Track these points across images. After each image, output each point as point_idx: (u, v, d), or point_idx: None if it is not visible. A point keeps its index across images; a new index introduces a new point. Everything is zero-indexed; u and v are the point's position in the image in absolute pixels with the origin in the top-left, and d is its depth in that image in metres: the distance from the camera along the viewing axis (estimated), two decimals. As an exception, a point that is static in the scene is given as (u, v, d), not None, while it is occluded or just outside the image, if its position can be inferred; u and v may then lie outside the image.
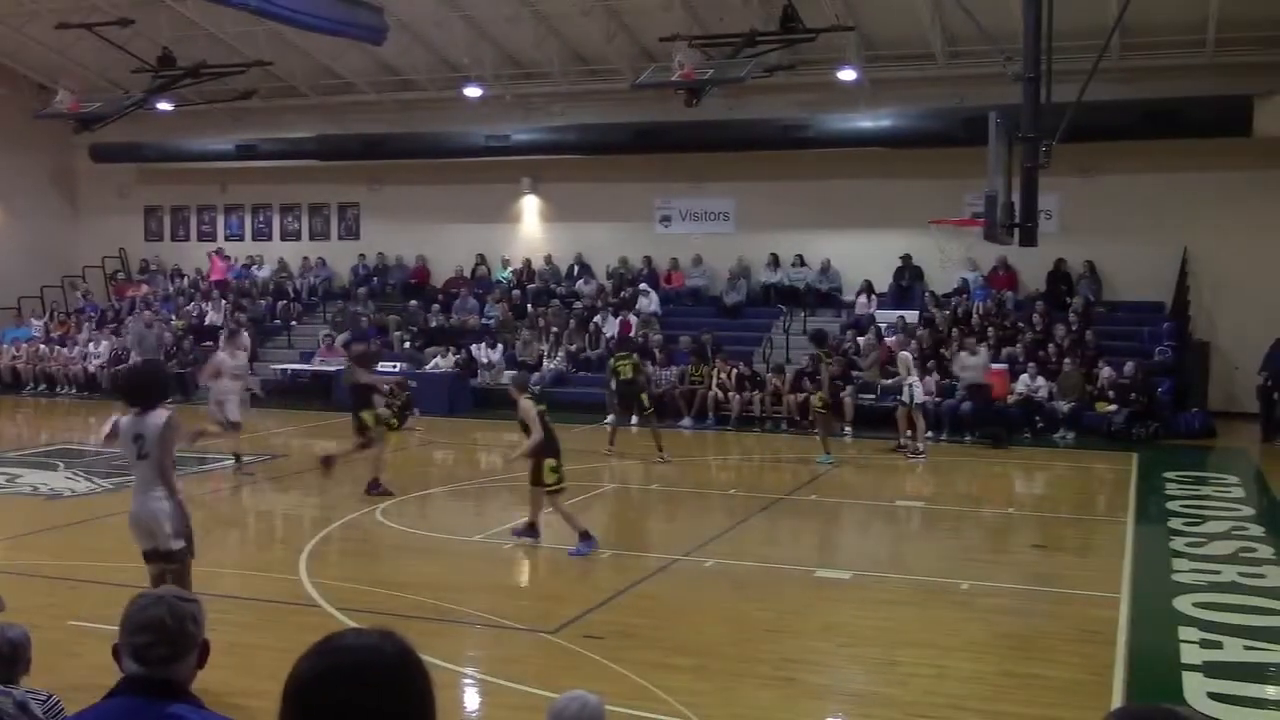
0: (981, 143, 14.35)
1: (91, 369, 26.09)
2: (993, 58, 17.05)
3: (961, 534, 13.34)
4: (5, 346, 27.33)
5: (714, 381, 21.70)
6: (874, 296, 23.75)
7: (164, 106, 25.93)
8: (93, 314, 28.70)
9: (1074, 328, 21.39)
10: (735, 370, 21.69)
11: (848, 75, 22.66)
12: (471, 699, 8.01)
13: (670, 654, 8.29)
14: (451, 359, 23.92)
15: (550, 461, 11.36)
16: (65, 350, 26.76)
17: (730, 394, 21.42)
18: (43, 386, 26.27)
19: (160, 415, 7.64)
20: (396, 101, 27.00)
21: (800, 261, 24.72)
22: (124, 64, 24.03)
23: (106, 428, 8.05)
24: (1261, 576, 10.60)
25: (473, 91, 25.43)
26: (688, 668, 8.00)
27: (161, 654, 2.79)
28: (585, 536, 11.32)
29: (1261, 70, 20.49)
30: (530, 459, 11.45)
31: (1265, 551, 11.65)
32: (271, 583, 10.20)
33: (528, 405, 11.47)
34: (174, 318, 27.24)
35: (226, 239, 30.36)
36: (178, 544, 7.83)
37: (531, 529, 11.67)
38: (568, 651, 8.34)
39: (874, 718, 7.33)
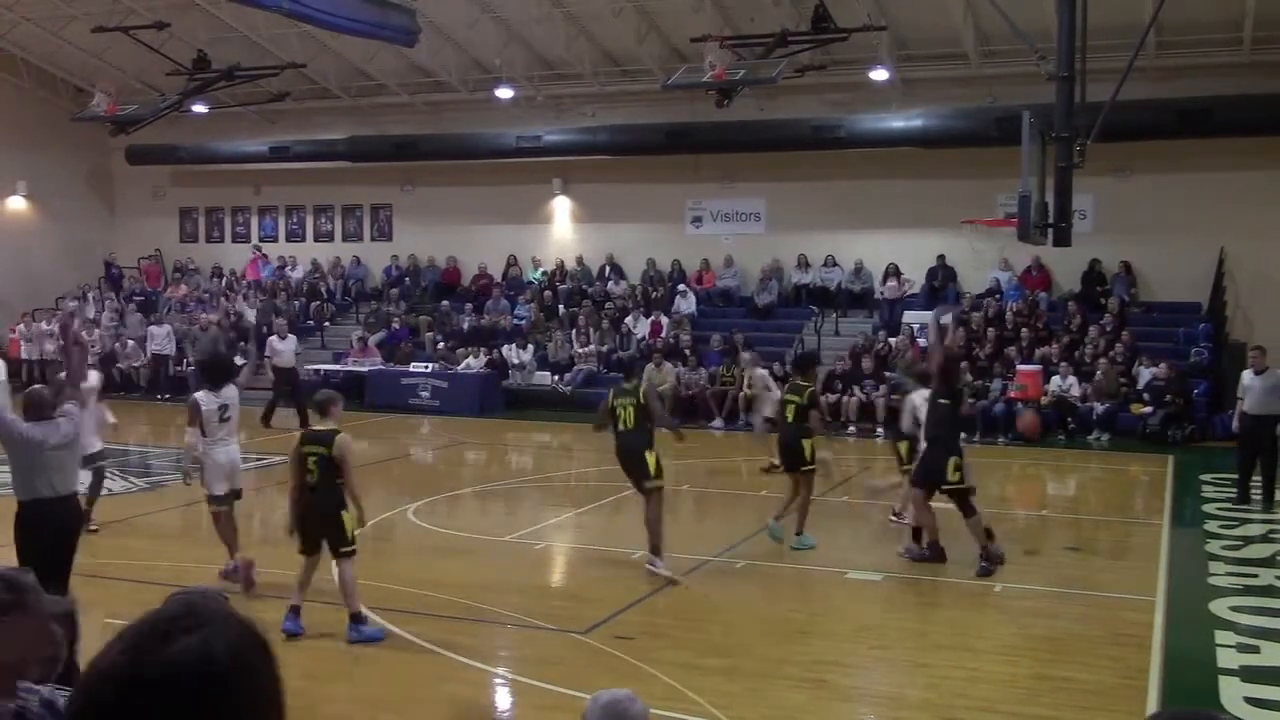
0: (1014, 142, 14.25)
1: (125, 368, 26.29)
2: (1026, 56, 16.93)
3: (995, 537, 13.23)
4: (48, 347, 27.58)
5: (746, 382, 21.60)
6: (903, 281, 23.61)
7: (199, 109, 26.15)
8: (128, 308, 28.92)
9: (1109, 328, 21.22)
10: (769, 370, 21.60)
11: (879, 75, 22.57)
12: (503, 698, 8.04)
13: (701, 655, 8.29)
14: (483, 360, 24.00)
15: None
16: (120, 346, 26.93)
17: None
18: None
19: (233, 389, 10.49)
20: (428, 103, 27.12)
21: (831, 262, 24.65)
22: (160, 67, 24.26)
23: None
24: (1299, 580, 10.49)
25: (504, 93, 25.50)
26: (718, 669, 7.99)
27: None
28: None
29: (1299, 68, 20.28)
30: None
31: (1303, 555, 11.52)
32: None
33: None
34: (208, 315, 27.41)
35: (260, 240, 30.58)
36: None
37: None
38: (599, 652, 8.35)
39: (905, 720, 7.31)
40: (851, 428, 20.63)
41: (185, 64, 23.89)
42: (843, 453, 17.76)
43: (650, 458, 10.70)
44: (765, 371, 18.64)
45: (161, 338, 26.33)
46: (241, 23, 23.71)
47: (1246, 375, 14.48)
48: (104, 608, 9.28)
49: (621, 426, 10.83)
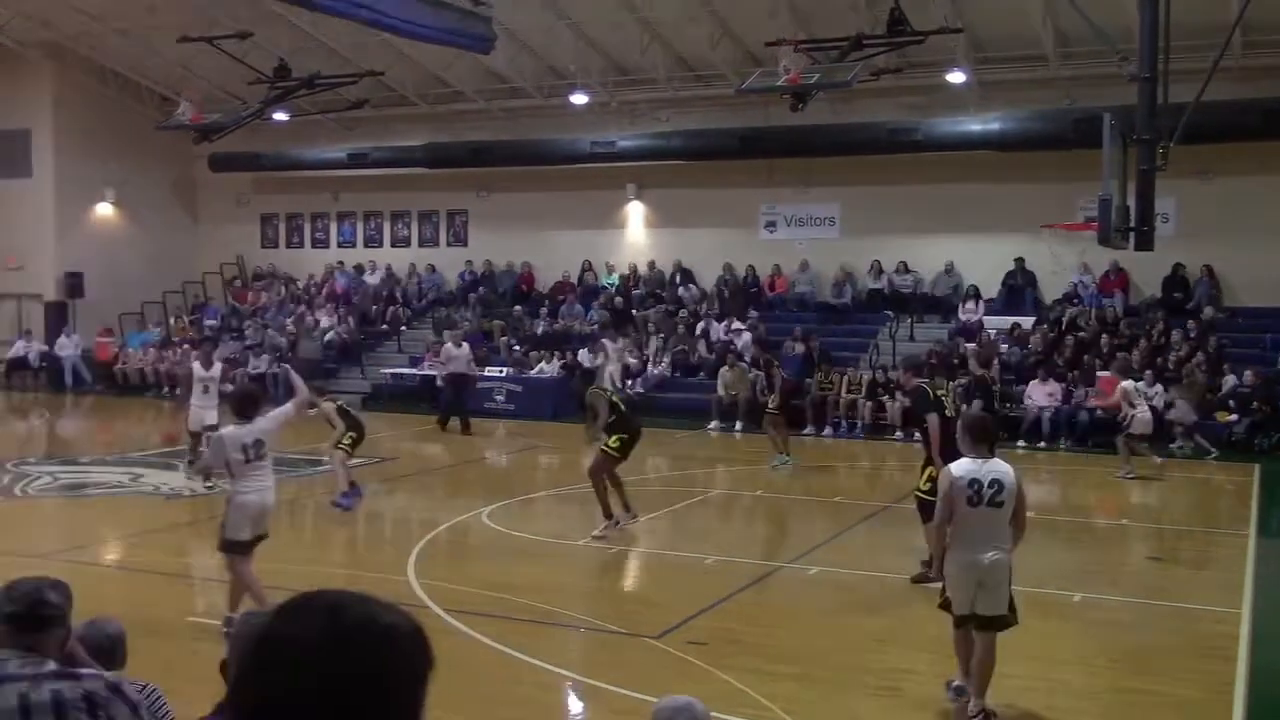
0: (1093, 145, 14.03)
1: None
2: (1106, 57, 16.69)
3: (1074, 545, 13.04)
4: (131, 350, 28.27)
5: (844, 388, 21.45)
6: (981, 303, 23.38)
7: (280, 116, 26.61)
8: (213, 319, 29.54)
9: (1193, 334, 20.78)
10: (866, 377, 21.49)
11: (956, 78, 22.34)
12: (575, 702, 8.06)
13: (773, 661, 8.26)
14: (556, 364, 24.13)
15: None
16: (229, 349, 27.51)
17: (858, 400, 21.19)
18: (165, 389, 27.10)
19: (265, 422, 9.09)
20: (504, 109, 27.34)
21: (904, 268, 24.43)
22: (242, 76, 24.70)
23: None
24: (1393, 594, 10.19)
25: (579, 98, 25.64)
26: (790, 675, 7.96)
27: None
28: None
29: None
30: None
31: (1396, 568, 11.19)
32: (381, 584, 10.35)
33: None
34: (289, 323, 27.91)
35: (339, 246, 31.05)
36: None
37: None
38: (671, 657, 8.35)
39: (982, 731, 7.20)
40: (898, 432, 20.43)
41: (267, 73, 24.30)
42: (909, 459, 17.56)
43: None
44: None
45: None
46: (322, 32, 24.09)
47: None
48: (191, 607, 9.50)
49: (624, 409, 12.92)
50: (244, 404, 9.13)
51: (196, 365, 16.43)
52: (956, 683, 7.37)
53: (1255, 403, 18.97)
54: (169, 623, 8.86)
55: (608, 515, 12.19)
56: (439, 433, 21.07)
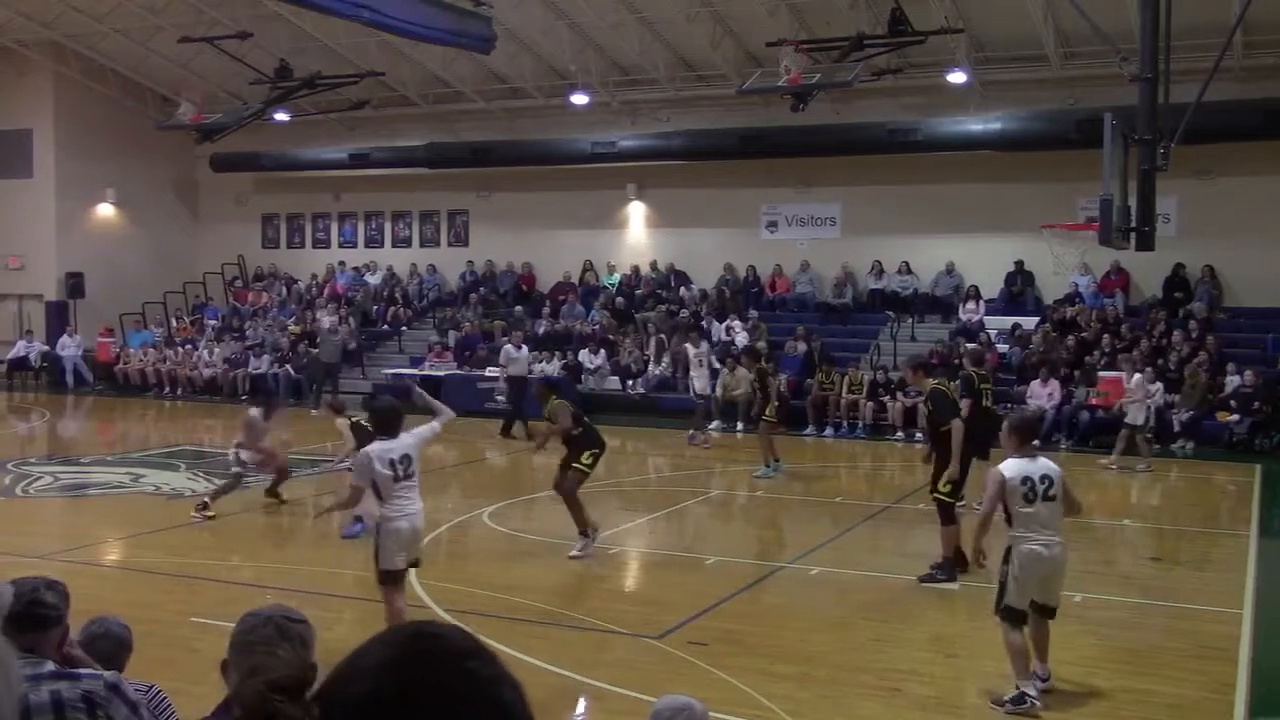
0: (1095, 145, 14.02)
1: (209, 374, 26.86)
2: (1107, 58, 16.68)
3: (1075, 545, 12.99)
4: (132, 350, 28.28)
5: (845, 388, 21.42)
6: (982, 303, 23.39)
7: (281, 117, 26.64)
8: (214, 319, 29.56)
9: (1194, 334, 20.78)
10: (866, 377, 21.46)
11: (957, 78, 22.34)
12: (574, 702, 8.06)
13: (774, 661, 8.26)
14: (557, 364, 24.12)
15: None
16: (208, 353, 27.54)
17: (859, 401, 21.18)
18: (166, 389, 27.12)
19: (409, 437, 8.27)
20: (505, 109, 27.35)
21: (906, 269, 24.43)
22: (243, 76, 24.76)
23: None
24: (1393, 594, 10.19)
25: (579, 98, 25.65)
26: (791, 675, 7.96)
27: None
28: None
29: (1394, 67, 19.74)
30: None
31: (1397, 568, 11.19)
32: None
33: None
34: (291, 323, 27.92)
35: (340, 246, 31.06)
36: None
37: None
38: (672, 657, 8.36)
39: (982, 731, 7.21)
40: (899, 433, 20.43)
41: (268, 73, 24.35)
42: (910, 460, 17.56)
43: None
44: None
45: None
46: (322, 32, 24.11)
47: None
48: (192, 607, 9.50)
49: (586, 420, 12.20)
50: (388, 419, 8.29)
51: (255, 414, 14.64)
52: (1023, 690, 7.29)
53: (1256, 403, 18.96)
54: (170, 623, 8.87)
55: (584, 532, 11.43)
56: (501, 440, 20.22)
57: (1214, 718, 7.22)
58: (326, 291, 29.42)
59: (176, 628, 8.81)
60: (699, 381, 20.45)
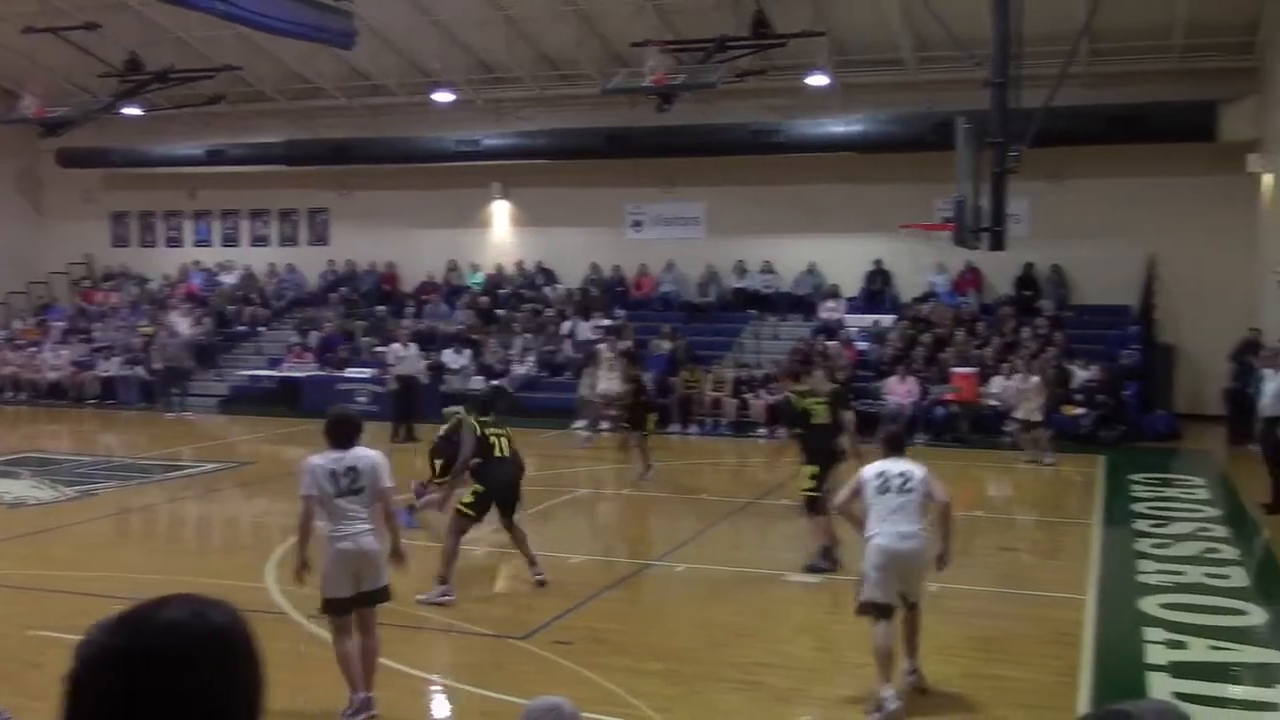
0: (951, 147, 14.44)
1: (55, 377, 25.86)
2: (962, 63, 17.14)
3: (933, 537, 13.35)
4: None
5: (709, 386, 21.62)
6: (842, 301, 23.85)
7: (131, 111, 25.73)
8: (59, 320, 28.46)
9: (1042, 331, 21.51)
10: (730, 375, 21.67)
11: (818, 80, 22.72)
12: (442, 706, 7.98)
13: (641, 659, 8.29)
14: (422, 365, 23.79)
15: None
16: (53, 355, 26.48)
17: (722, 399, 21.37)
18: (9, 393, 26.01)
19: (371, 452, 7.36)
20: (366, 106, 26.91)
21: (769, 268, 24.77)
22: (91, 69, 23.85)
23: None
24: (1226, 577, 10.69)
25: (443, 96, 25.38)
26: (658, 672, 8.00)
27: None
28: None
29: (1226, 75, 20.73)
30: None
31: (1229, 552, 11.74)
32: (238, 591, 10.10)
33: None
34: (142, 324, 27.04)
35: (195, 245, 30.20)
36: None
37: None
38: (538, 657, 8.32)
39: (843, 721, 7.35)
40: (761, 429, 20.72)
41: (117, 66, 23.51)
42: (772, 456, 17.81)
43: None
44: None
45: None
46: (175, 24, 23.40)
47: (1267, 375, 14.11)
48: (35, 620, 9.11)
49: (498, 454, 10.12)
50: (335, 428, 7.35)
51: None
52: (889, 692, 7.24)
53: (1101, 396, 19.71)
54: (11, 636, 8.50)
55: (444, 580, 9.71)
56: (391, 444, 18.51)
57: (1061, 700, 7.48)
58: (180, 292, 28.57)
59: (17, 641, 8.45)
60: (605, 383, 19.96)
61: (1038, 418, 17.99)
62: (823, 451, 10.82)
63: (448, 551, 9.79)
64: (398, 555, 7.45)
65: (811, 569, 10.71)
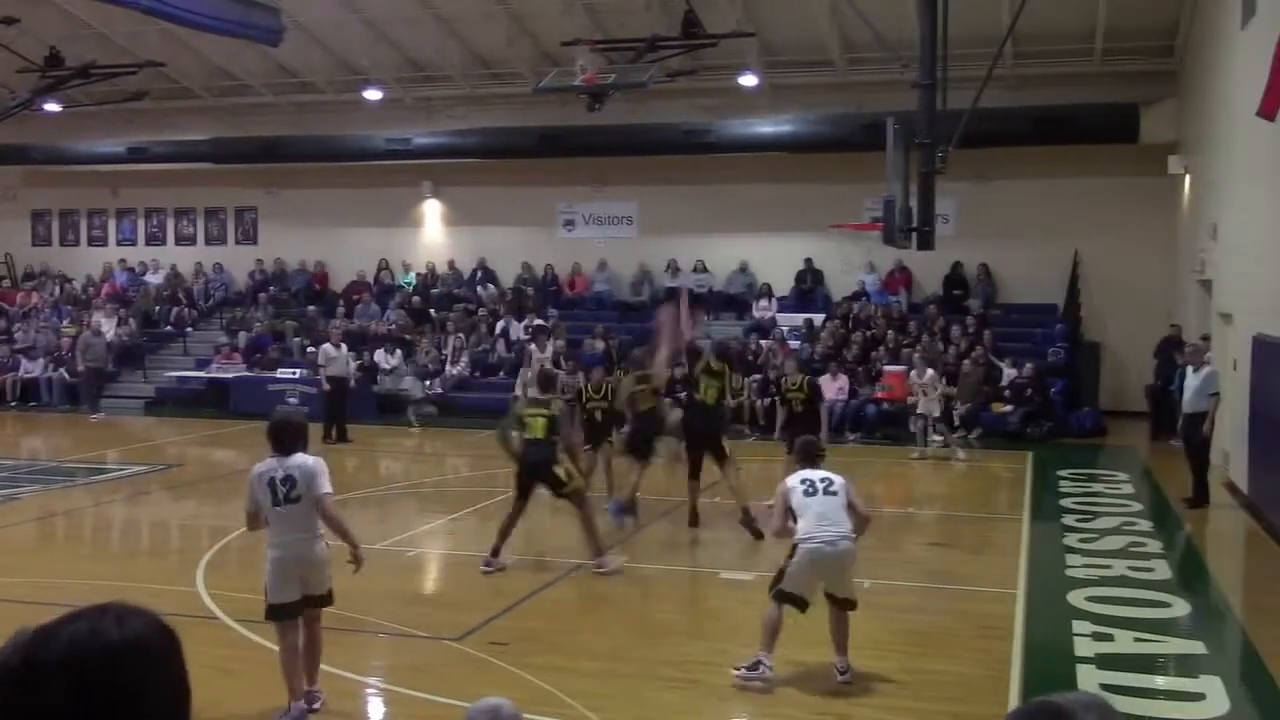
0: (880, 148, 14.56)
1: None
2: (890, 64, 17.34)
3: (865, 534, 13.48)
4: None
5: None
6: (774, 300, 24.01)
7: (52, 108, 25.20)
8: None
9: (971, 330, 21.82)
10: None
11: (748, 81, 22.85)
12: (376, 709, 7.92)
13: (576, 658, 8.28)
14: (352, 366, 23.56)
15: None
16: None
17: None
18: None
19: (309, 459, 7.23)
20: (294, 104, 26.59)
21: (701, 267, 24.85)
22: (9, 64, 23.33)
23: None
24: (1150, 570, 10.93)
25: (372, 94, 25.16)
26: (593, 672, 8.00)
27: None
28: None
29: (1147, 78, 21.17)
30: None
31: (1153, 546, 12.00)
32: (167, 595, 9.92)
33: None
34: (65, 324, 26.49)
35: (118, 244, 29.66)
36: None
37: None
38: (473, 659, 8.29)
39: (778, 716, 7.40)
40: None
41: (37, 61, 23.01)
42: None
43: (560, 469, 10.88)
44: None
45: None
46: (97, 19, 22.96)
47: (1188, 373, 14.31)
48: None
49: (530, 436, 10.79)
50: (276, 434, 7.26)
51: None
52: (760, 658, 7.73)
53: (1028, 393, 20.04)
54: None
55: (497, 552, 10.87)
56: (323, 445, 18.09)
57: (992, 694, 7.59)
58: (104, 291, 28.03)
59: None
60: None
61: (936, 412, 18.22)
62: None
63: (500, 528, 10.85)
64: (356, 558, 7.41)
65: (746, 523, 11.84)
